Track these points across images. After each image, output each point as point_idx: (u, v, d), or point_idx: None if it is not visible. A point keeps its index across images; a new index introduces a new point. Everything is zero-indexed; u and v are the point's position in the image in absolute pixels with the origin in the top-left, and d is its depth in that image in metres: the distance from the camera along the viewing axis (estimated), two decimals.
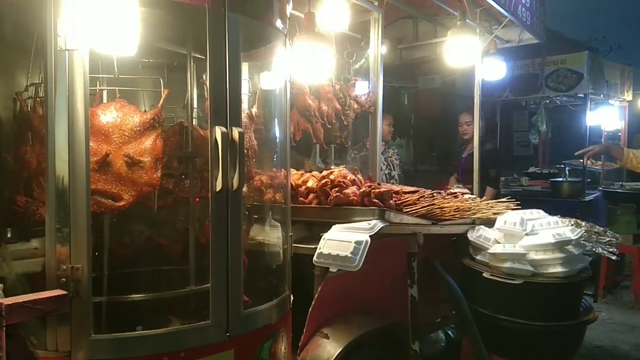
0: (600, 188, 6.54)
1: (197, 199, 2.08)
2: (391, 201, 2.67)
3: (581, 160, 6.40)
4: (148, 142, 1.80)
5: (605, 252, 3.22)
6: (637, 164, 3.62)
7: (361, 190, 2.68)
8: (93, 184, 1.67)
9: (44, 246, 1.66)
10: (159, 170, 1.82)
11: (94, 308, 1.64)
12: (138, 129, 1.80)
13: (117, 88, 1.94)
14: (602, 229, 3.47)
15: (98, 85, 1.96)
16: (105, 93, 2.08)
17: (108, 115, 1.79)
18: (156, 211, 2.03)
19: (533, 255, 2.80)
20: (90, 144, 1.64)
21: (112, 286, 1.85)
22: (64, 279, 1.56)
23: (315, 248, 2.38)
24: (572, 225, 3.14)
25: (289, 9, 2.25)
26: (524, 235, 2.92)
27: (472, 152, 4.96)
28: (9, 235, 1.85)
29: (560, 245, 2.79)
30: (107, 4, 1.56)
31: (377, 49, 3.69)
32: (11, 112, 2.02)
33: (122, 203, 1.75)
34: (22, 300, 1.38)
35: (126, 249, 2.07)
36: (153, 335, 1.68)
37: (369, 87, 3.81)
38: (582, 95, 6.19)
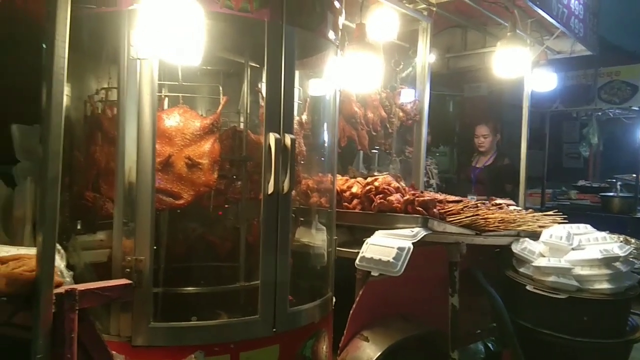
0: None
1: (249, 200, 2.18)
2: (435, 210, 2.70)
3: (634, 175, 6.18)
4: (207, 145, 1.92)
5: None
6: None
7: (405, 197, 2.72)
8: (156, 183, 1.80)
9: (109, 238, 1.80)
10: (216, 172, 1.93)
11: (154, 298, 1.77)
12: (198, 133, 1.93)
13: (180, 95, 2.07)
14: None
15: (163, 90, 2.10)
16: (167, 98, 2.22)
17: (172, 120, 1.93)
18: (209, 211, 2.15)
19: (579, 271, 2.76)
20: (156, 145, 1.77)
21: (169, 278, 1.98)
22: (128, 269, 1.70)
23: (358, 252, 2.44)
24: (620, 241, 3.07)
25: (341, 20, 2.34)
26: (570, 249, 2.88)
27: (488, 164, 4.98)
28: (78, 227, 2.01)
29: (608, 261, 2.74)
30: (176, 18, 1.68)
31: (425, 58, 3.72)
32: (82, 114, 2.19)
33: (181, 201, 1.88)
34: (93, 287, 1.51)
35: (182, 244, 2.20)
36: (206, 326, 1.79)
37: (415, 96, 3.84)
38: (637, 108, 5.98)
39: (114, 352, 1.62)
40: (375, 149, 3.89)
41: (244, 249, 2.15)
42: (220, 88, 2.12)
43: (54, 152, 1.27)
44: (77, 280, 1.66)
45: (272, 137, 1.87)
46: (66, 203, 2.00)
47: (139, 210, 1.71)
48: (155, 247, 1.89)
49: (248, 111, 2.29)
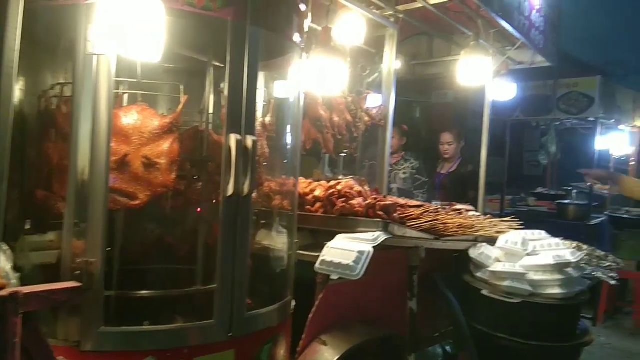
0: (606, 213, 6.55)
1: (209, 202, 2.15)
2: (395, 214, 2.73)
3: (589, 184, 6.43)
4: (165, 145, 1.88)
5: (604, 276, 3.25)
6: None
7: (367, 202, 2.74)
8: (111, 183, 1.75)
9: (59, 239, 1.74)
10: (174, 173, 1.90)
11: (104, 301, 1.72)
12: (157, 132, 1.89)
13: (139, 92, 2.03)
14: (603, 253, 3.50)
15: (121, 88, 2.05)
16: (126, 96, 2.17)
17: (129, 118, 1.88)
18: (168, 212, 2.11)
19: (532, 276, 2.84)
20: (111, 144, 1.72)
21: (122, 281, 1.92)
22: (78, 272, 1.64)
23: (319, 255, 2.44)
24: (573, 248, 3.18)
25: (307, 23, 2.34)
26: (524, 255, 2.96)
27: (452, 171, 5.08)
28: (27, 227, 1.93)
29: (560, 267, 2.83)
30: (136, 13, 1.64)
31: (391, 64, 3.76)
32: (35, 109, 2.11)
33: (137, 202, 1.83)
34: (38, 290, 1.45)
35: (137, 246, 2.15)
36: (158, 331, 1.75)
37: (381, 101, 3.88)
38: (593, 119, 6.23)
39: (61, 357, 1.57)
40: (344, 153, 3.91)
41: (202, 251, 2.11)
42: (182, 87, 2.07)
43: (1, 149, 1.22)
44: (25, 282, 1.59)
45: (232, 138, 1.84)
46: (16, 201, 1.92)
47: (92, 211, 1.65)
48: (109, 249, 1.84)
49: (210, 111, 2.26)
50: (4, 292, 1.33)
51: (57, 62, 2.05)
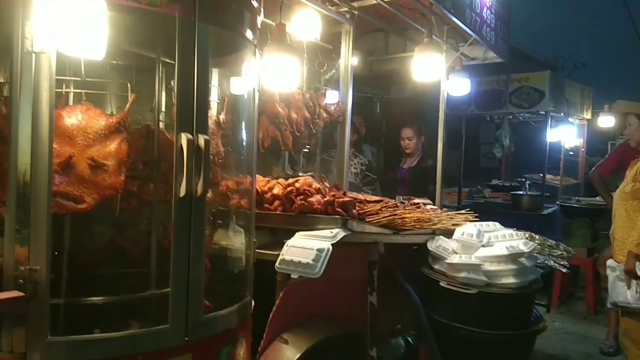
0: (558, 202, 6.80)
1: (162, 203, 2.09)
2: (354, 210, 2.74)
3: (541, 175, 6.67)
4: (113, 145, 1.82)
5: (556, 264, 3.38)
6: None
7: (325, 199, 2.74)
8: (55, 186, 1.67)
9: (1, 246, 1.65)
10: (123, 174, 1.83)
11: (52, 310, 1.64)
12: (103, 132, 1.82)
13: (83, 91, 1.95)
14: (555, 242, 3.64)
15: (64, 87, 1.96)
16: (71, 95, 2.08)
17: (73, 118, 1.80)
18: (119, 214, 2.03)
19: (488, 266, 2.92)
20: (54, 145, 1.64)
21: (72, 288, 1.85)
22: (21, 280, 1.55)
23: (278, 254, 2.42)
24: (526, 238, 3.29)
25: (259, 20, 2.30)
26: (480, 246, 3.04)
27: (413, 166, 5.16)
28: None
29: (513, 257, 2.92)
30: (76, 8, 1.57)
31: (348, 60, 3.78)
32: None
33: (83, 205, 1.76)
34: None
35: (87, 251, 2.07)
36: (110, 338, 1.68)
37: (338, 97, 3.89)
38: (544, 113, 6.44)
39: None
40: (307, 149, 3.89)
41: (155, 254, 2.05)
42: (129, 85, 2.01)
43: None
44: None
45: (184, 138, 1.79)
46: None
47: (34, 216, 1.57)
48: (55, 254, 1.76)
49: (161, 109, 2.19)
50: None
51: None
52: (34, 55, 1.60)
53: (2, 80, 1.93)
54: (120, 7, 1.69)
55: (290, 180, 2.95)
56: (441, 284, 2.96)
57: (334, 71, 4.14)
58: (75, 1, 1.53)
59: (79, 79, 1.95)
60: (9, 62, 1.66)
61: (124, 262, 2.19)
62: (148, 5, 1.73)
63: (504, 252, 2.89)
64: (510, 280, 2.87)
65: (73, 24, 1.57)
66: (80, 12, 1.56)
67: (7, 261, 1.58)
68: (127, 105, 1.91)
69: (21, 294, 1.50)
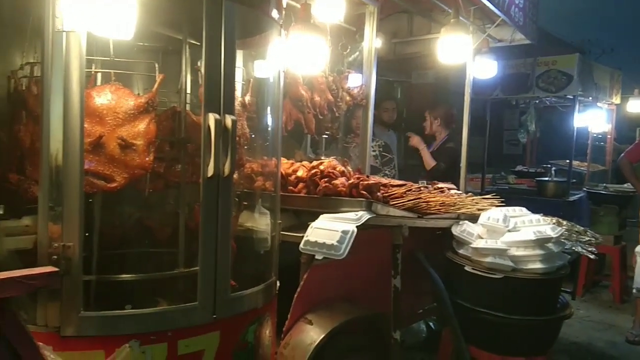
0: (585, 189, 6.65)
1: (189, 184, 2.11)
2: (379, 193, 2.72)
3: (567, 161, 6.52)
4: (141, 125, 1.83)
5: (584, 251, 3.31)
6: None
7: (350, 181, 2.73)
8: (86, 165, 1.70)
9: (35, 224, 1.69)
10: (152, 154, 1.85)
11: (84, 286, 1.68)
12: (132, 112, 1.83)
13: (112, 71, 1.96)
14: (582, 228, 3.56)
15: (94, 67, 1.98)
16: (99, 75, 2.10)
17: (103, 98, 1.82)
18: (147, 194, 2.06)
19: (514, 251, 2.88)
20: (85, 125, 1.66)
21: (103, 266, 1.88)
22: (55, 257, 1.59)
23: (303, 236, 2.43)
24: (553, 223, 3.22)
25: None
26: (506, 231, 2.99)
27: (436, 149, 5.06)
28: (1, 212, 1.87)
29: (541, 242, 2.87)
30: None
31: (372, 42, 3.73)
32: (5, 91, 2.03)
33: (114, 185, 1.78)
34: (15, 275, 1.40)
35: (117, 230, 2.10)
36: (141, 314, 1.72)
37: (362, 80, 3.84)
38: (571, 97, 6.28)
39: (41, 343, 1.53)
40: (327, 134, 3.87)
41: (183, 233, 2.08)
42: (157, 65, 2.01)
43: None
44: (1, 268, 1.55)
45: (211, 118, 1.80)
46: None
47: (67, 194, 1.60)
48: (87, 233, 1.80)
49: (187, 91, 2.20)
50: None
51: (27, 41, 1.97)
52: (64, 34, 1.61)
53: (33, 61, 1.96)
54: None
55: (315, 163, 2.94)
56: (466, 268, 2.93)
57: (357, 54, 4.10)
58: None
59: (107, 58, 1.96)
60: (40, 42, 1.68)
61: (151, 241, 2.23)
62: None
63: (531, 237, 2.85)
64: (537, 265, 2.83)
65: (102, 3, 1.58)
66: None
67: (42, 238, 1.62)
68: (156, 86, 1.92)
69: (55, 269, 1.53)
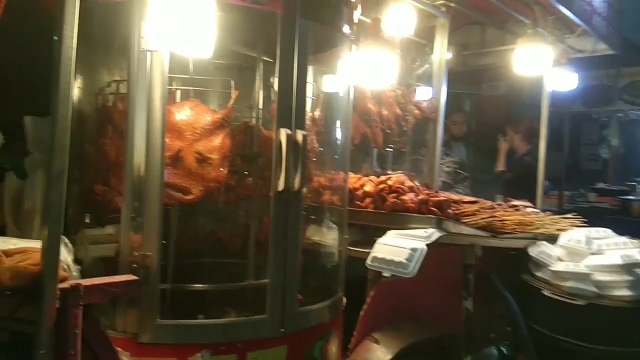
0: None
1: (260, 197, 2.14)
2: (449, 210, 2.63)
3: None
4: (217, 140, 1.89)
5: None
6: None
7: (419, 197, 2.66)
8: (165, 178, 1.77)
9: (117, 233, 1.78)
10: (226, 168, 1.90)
11: (161, 294, 1.74)
12: (209, 127, 1.90)
13: (191, 88, 2.04)
14: None
15: (174, 84, 2.07)
16: (178, 92, 2.19)
17: (182, 114, 1.90)
18: (220, 207, 2.12)
19: (598, 276, 2.68)
20: (165, 139, 1.74)
21: (177, 275, 1.95)
22: (135, 265, 1.67)
23: (369, 252, 2.39)
24: None
25: (356, 15, 2.28)
26: (589, 254, 2.79)
27: (513, 163, 4.97)
28: (87, 221, 1.99)
29: (629, 267, 2.65)
30: (187, 8, 1.65)
31: (442, 55, 3.64)
32: (94, 107, 2.17)
33: (191, 197, 1.84)
34: (98, 283, 1.48)
35: (190, 240, 2.17)
36: (213, 325, 1.76)
37: (431, 93, 3.77)
38: None
39: (119, 348, 1.60)
40: (390, 148, 3.83)
41: (253, 246, 2.11)
42: (232, 82, 2.07)
43: (60, 145, 1.25)
44: (84, 274, 1.63)
45: (283, 133, 1.82)
46: (76, 196, 1.99)
47: (147, 205, 1.68)
48: (163, 243, 1.87)
49: (260, 106, 2.25)
50: (65, 285, 1.36)
51: (113, 60, 2.10)
52: (149, 53, 1.70)
53: (118, 78, 2.08)
54: (227, 6, 1.75)
55: (382, 178, 2.90)
56: (544, 292, 2.75)
57: (426, 66, 4.02)
58: (187, 1, 1.60)
59: (186, 76, 2.04)
60: (125, 61, 1.78)
61: (222, 252, 2.28)
62: (252, 3, 1.77)
63: (618, 261, 2.63)
64: (625, 292, 2.60)
65: (185, 23, 1.65)
66: (191, 12, 1.64)
67: (123, 247, 1.71)
68: (231, 102, 1.98)
69: (135, 277, 1.60)
